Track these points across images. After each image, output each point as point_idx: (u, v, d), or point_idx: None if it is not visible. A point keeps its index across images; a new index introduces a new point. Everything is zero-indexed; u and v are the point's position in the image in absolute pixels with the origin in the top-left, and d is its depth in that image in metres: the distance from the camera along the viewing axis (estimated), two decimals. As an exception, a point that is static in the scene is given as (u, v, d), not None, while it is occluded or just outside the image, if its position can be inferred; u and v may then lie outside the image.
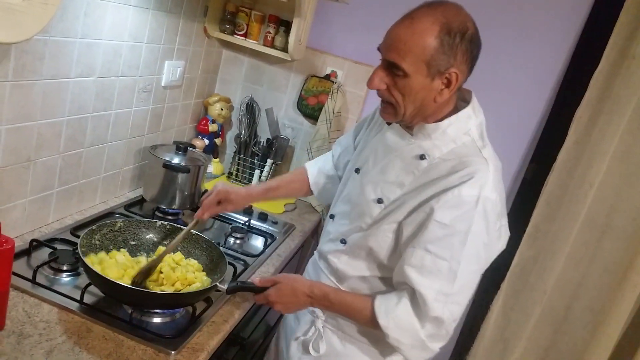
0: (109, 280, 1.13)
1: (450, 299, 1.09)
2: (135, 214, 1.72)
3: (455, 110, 1.15)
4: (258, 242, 1.79)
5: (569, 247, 2.06)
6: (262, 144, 2.27)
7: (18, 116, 1.24)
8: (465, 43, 1.04)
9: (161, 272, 1.30)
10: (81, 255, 1.18)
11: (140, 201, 1.82)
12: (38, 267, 1.24)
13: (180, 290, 1.27)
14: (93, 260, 1.25)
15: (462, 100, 1.19)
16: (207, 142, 2.21)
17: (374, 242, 1.19)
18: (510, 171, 2.17)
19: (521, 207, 2.14)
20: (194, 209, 1.69)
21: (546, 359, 2.21)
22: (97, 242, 1.31)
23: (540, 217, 2.09)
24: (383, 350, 1.27)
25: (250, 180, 2.25)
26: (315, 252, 1.43)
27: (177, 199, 1.78)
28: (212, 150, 2.25)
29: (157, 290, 1.26)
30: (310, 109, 2.23)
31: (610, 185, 1.98)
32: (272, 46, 2.09)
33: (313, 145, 2.15)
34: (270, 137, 2.24)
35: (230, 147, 2.37)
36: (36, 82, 1.26)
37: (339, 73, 2.22)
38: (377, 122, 1.35)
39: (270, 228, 1.91)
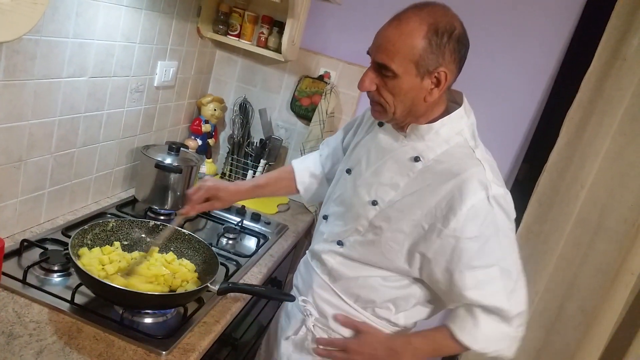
0: (100, 280, 1.13)
1: (515, 290, 1.14)
2: (128, 214, 1.72)
3: (447, 111, 1.16)
4: (251, 243, 1.79)
5: (560, 248, 2.07)
6: (255, 144, 2.27)
7: (9, 116, 1.24)
8: (453, 43, 1.05)
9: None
10: (72, 256, 1.17)
11: (133, 201, 1.82)
12: (29, 267, 1.24)
13: (173, 290, 1.27)
14: (87, 255, 1.25)
15: (453, 102, 1.20)
16: (200, 142, 2.20)
17: (376, 251, 1.20)
18: (502, 172, 2.15)
19: (513, 208, 2.15)
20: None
21: (538, 359, 2.22)
22: (89, 242, 1.31)
23: (532, 218, 2.11)
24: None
25: (243, 181, 2.25)
26: (307, 252, 1.43)
27: (169, 199, 1.78)
28: (205, 151, 2.24)
29: (147, 286, 1.25)
30: (303, 110, 2.23)
31: (601, 185, 1.99)
32: (266, 47, 2.08)
33: (306, 146, 2.15)
34: (263, 138, 2.24)
35: (224, 148, 2.37)
36: (27, 81, 1.25)
37: (332, 74, 2.22)
38: (367, 123, 1.35)
39: (263, 228, 1.91)
